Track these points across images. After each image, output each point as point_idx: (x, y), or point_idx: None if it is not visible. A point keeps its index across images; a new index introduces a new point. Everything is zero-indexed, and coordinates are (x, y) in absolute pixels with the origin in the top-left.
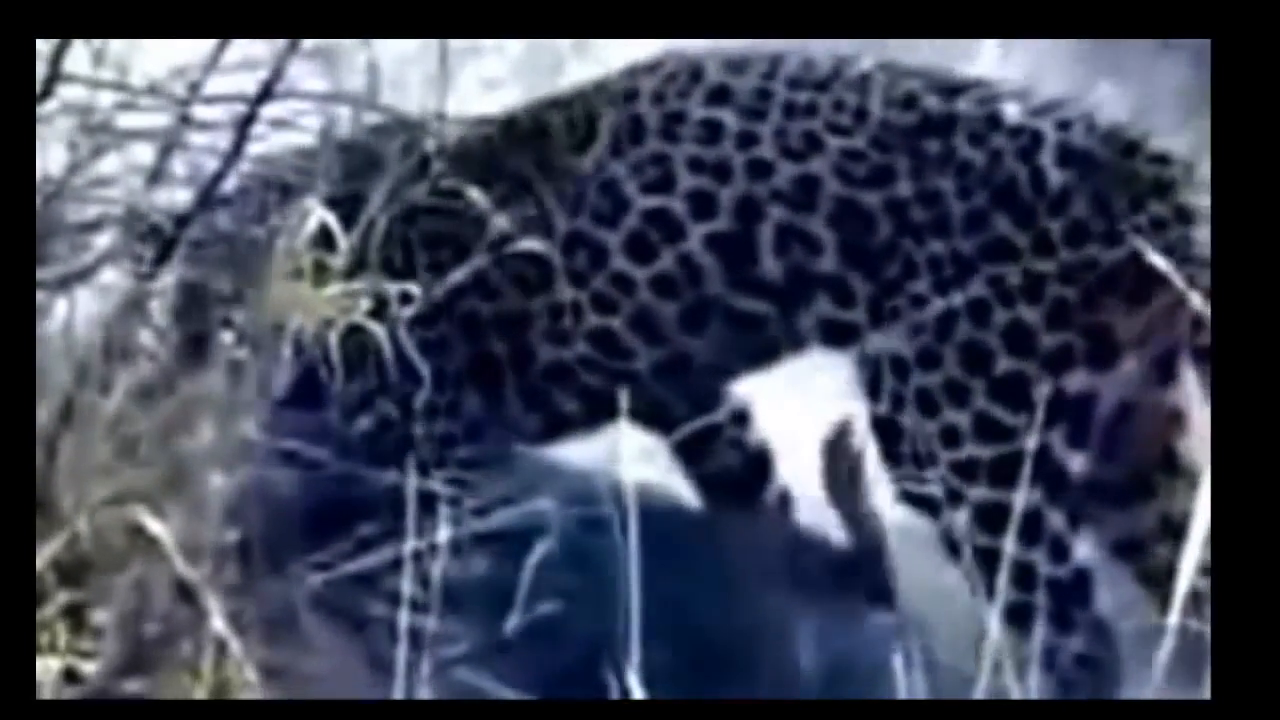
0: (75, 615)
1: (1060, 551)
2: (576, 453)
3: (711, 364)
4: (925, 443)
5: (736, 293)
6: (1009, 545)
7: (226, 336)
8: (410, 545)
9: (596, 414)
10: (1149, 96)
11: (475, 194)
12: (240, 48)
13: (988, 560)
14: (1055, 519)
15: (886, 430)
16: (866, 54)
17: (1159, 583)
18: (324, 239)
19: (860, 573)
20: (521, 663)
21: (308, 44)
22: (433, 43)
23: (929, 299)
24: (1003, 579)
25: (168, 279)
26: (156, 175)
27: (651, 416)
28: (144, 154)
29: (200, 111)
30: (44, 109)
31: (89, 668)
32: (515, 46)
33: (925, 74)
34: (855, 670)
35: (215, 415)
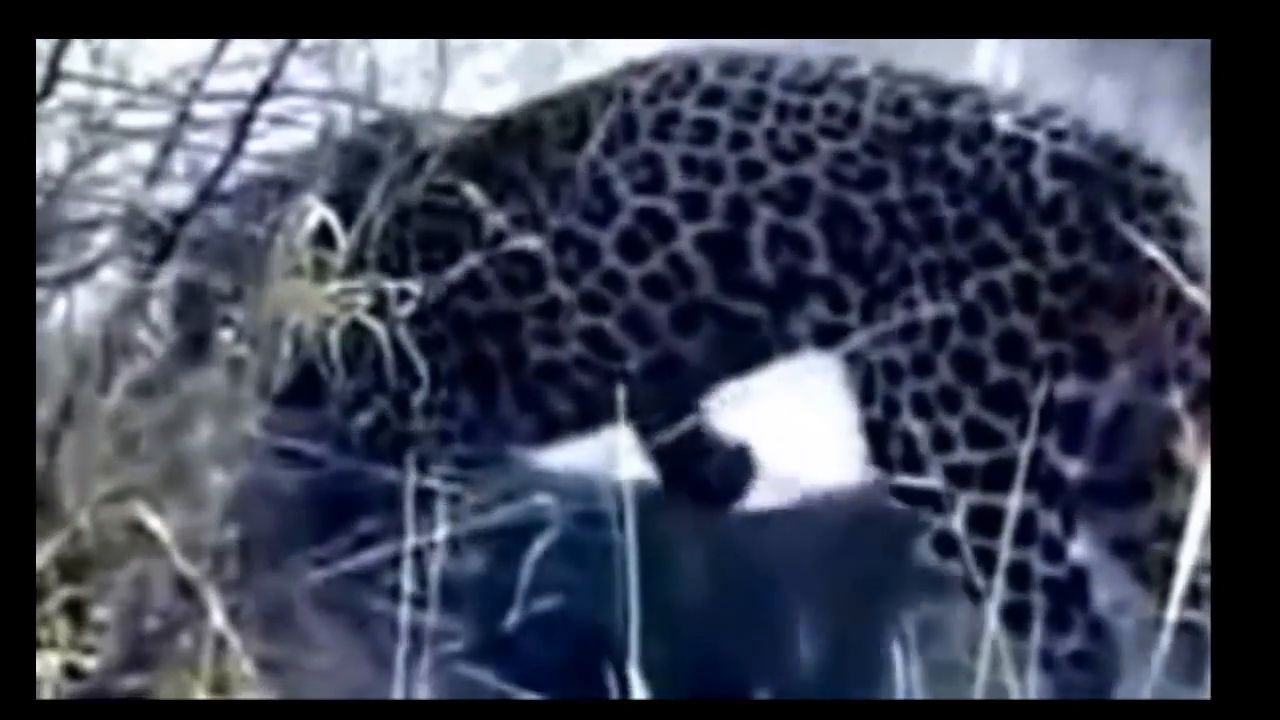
0: (75, 611)
1: (1054, 552)
2: (574, 450)
3: (702, 366)
4: (917, 446)
5: (728, 295)
6: (1003, 548)
7: (226, 334)
8: (410, 542)
9: (590, 416)
10: (1146, 90)
11: (471, 191)
12: (240, 47)
13: (981, 561)
14: (1049, 521)
15: (877, 433)
16: (863, 53)
17: (1156, 580)
18: (323, 237)
19: None
20: (521, 659)
21: (307, 42)
22: (431, 41)
23: (920, 304)
24: (997, 580)
25: (167, 277)
26: (156, 174)
27: (635, 418)
28: (144, 152)
29: (200, 110)
30: (44, 107)
31: (89, 663)
32: (513, 44)
33: (919, 79)
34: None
35: (215, 412)
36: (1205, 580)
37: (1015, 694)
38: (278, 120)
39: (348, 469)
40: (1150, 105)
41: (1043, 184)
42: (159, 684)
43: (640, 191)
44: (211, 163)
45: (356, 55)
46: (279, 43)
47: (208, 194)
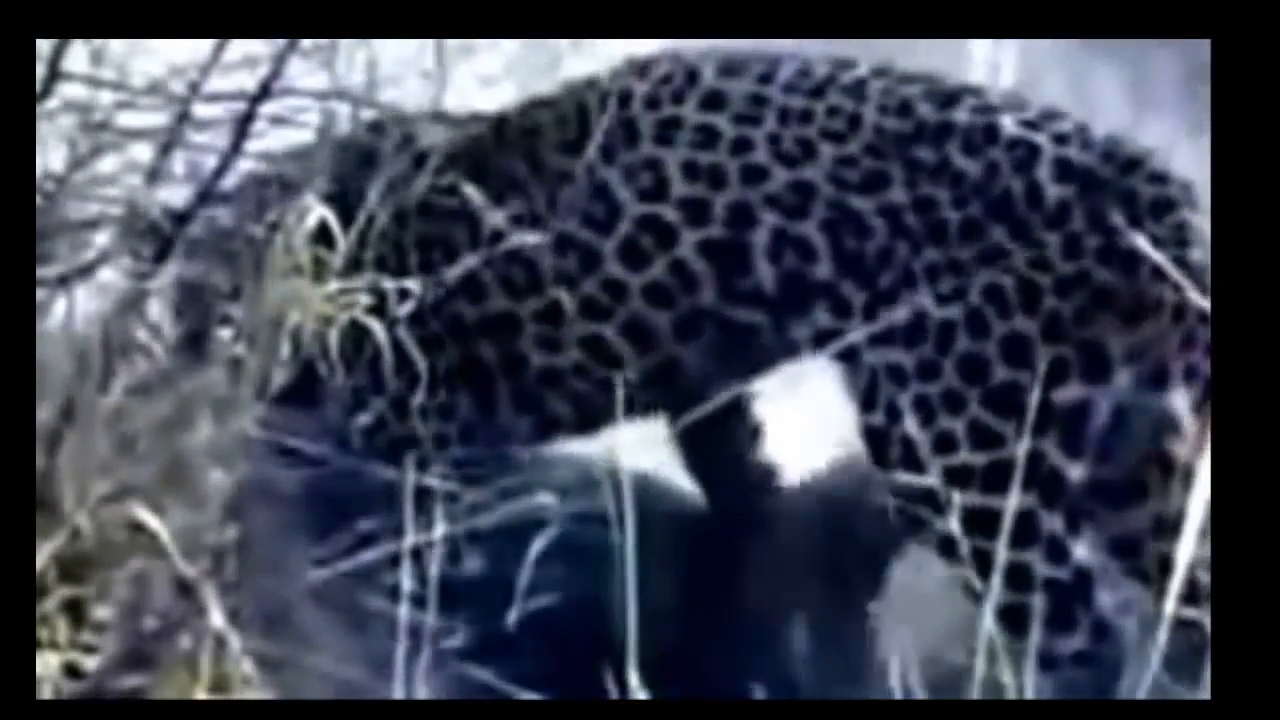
0: (75, 610)
1: (1058, 553)
2: (574, 447)
3: (701, 373)
4: (918, 449)
5: (729, 302)
6: (1002, 549)
7: (225, 333)
8: (409, 540)
9: (589, 419)
10: (1144, 80)
11: (469, 191)
12: (240, 47)
13: (981, 562)
14: (1051, 522)
15: (879, 437)
16: (862, 51)
17: (1154, 578)
18: (322, 236)
19: None
20: (519, 657)
21: (306, 42)
22: (429, 41)
23: (923, 307)
24: (994, 580)
25: (167, 276)
26: (155, 173)
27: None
28: (143, 152)
29: (199, 110)
30: (44, 108)
31: (89, 663)
32: (511, 44)
33: (920, 80)
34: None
35: (214, 412)
36: (1203, 578)
37: (1012, 694)
38: (278, 120)
39: (347, 468)
40: (1147, 97)
41: (1048, 188)
42: (158, 684)
43: (642, 198)
44: (211, 163)
45: (356, 55)
46: (279, 43)
47: (207, 194)
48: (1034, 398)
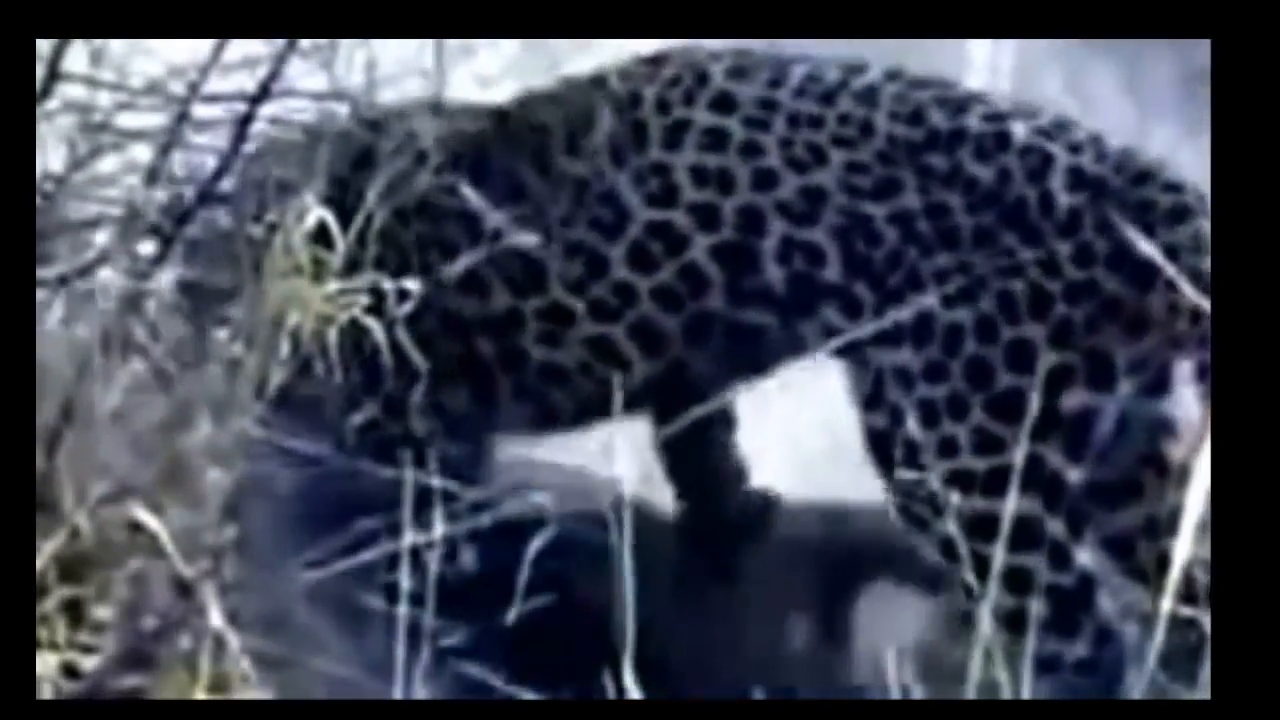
0: (74, 610)
1: (1061, 559)
2: (571, 448)
3: (708, 374)
4: (921, 452)
5: (738, 304)
6: (998, 552)
7: (224, 333)
8: (408, 540)
9: (588, 413)
10: (1142, 81)
11: (467, 191)
12: (239, 47)
13: (982, 566)
14: (1054, 527)
15: (882, 439)
16: (860, 52)
17: (1148, 578)
18: (321, 236)
19: None
20: (517, 657)
21: (305, 43)
22: (428, 42)
23: (934, 311)
24: (991, 584)
25: (166, 277)
26: (155, 174)
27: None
28: (143, 153)
29: (199, 110)
30: (43, 108)
31: (88, 663)
32: (510, 45)
33: (931, 85)
34: None
35: (213, 411)
36: (1200, 577)
37: (1008, 693)
38: (277, 121)
39: (345, 468)
40: (1145, 93)
41: (1060, 196)
42: (158, 684)
43: (651, 204)
44: (210, 163)
45: (354, 56)
46: (278, 43)
47: (206, 194)
48: (1038, 403)
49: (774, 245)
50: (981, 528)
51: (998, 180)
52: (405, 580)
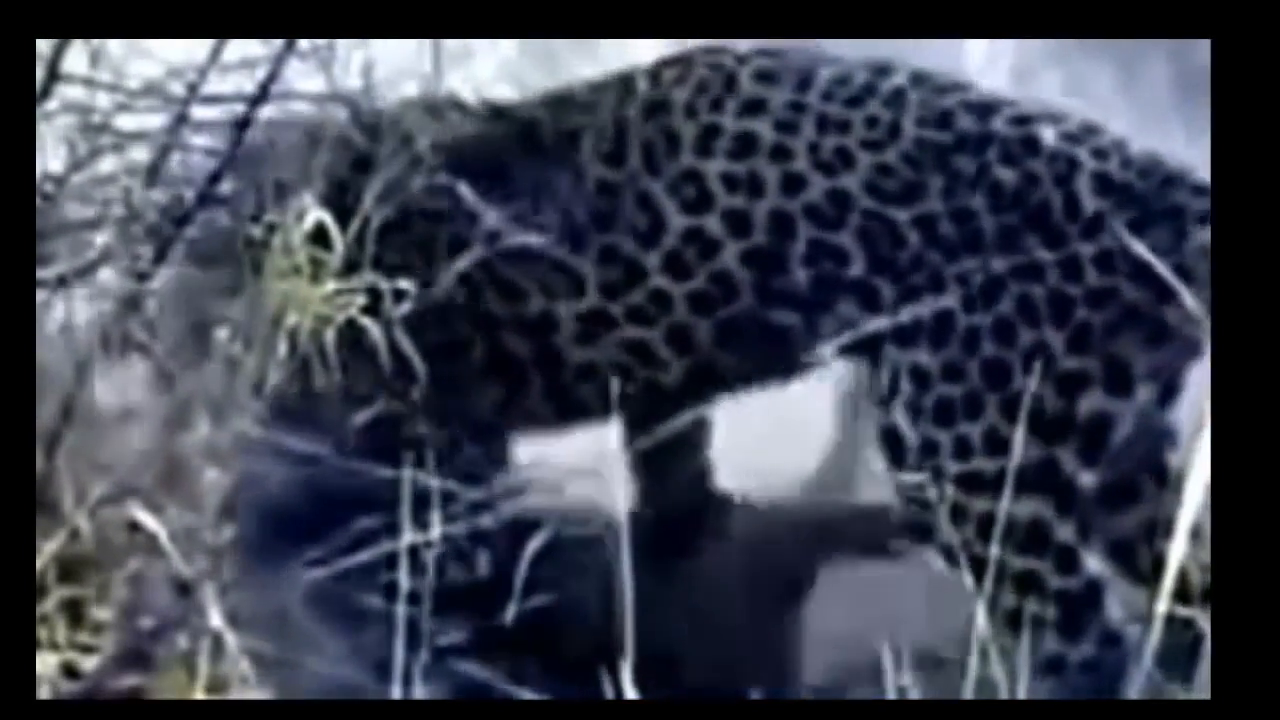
0: (74, 610)
1: (1070, 563)
2: (570, 450)
3: (735, 374)
4: (935, 452)
5: (765, 304)
6: (1004, 553)
7: (223, 334)
8: (406, 540)
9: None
10: (1137, 76)
11: (466, 194)
12: (237, 49)
13: (992, 568)
14: (1064, 531)
15: (895, 437)
16: (858, 51)
17: (1147, 579)
18: (320, 236)
19: None
20: (516, 656)
21: (303, 44)
22: (426, 43)
23: (953, 312)
24: (995, 585)
25: (165, 277)
26: (154, 175)
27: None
28: (142, 154)
29: (197, 112)
30: (42, 109)
31: (87, 663)
32: (508, 46)
33: (957, 88)
34: None
35: (212, 412)
36: (1196, 576)
37: (1005, 693)
38: (275, 124)
39: (345, 467)
40: (1142, 92)
41: (1086, 202)
42: (156, 683)
43: (686, 211)
44: (208, 164)
45: (353, 58)
46: (276, 45)
47: (205, 195)
48: (1055, 408)
49: (802, 248)
50: (990, 528)
51: (1024, 184)
52: (404, 580)
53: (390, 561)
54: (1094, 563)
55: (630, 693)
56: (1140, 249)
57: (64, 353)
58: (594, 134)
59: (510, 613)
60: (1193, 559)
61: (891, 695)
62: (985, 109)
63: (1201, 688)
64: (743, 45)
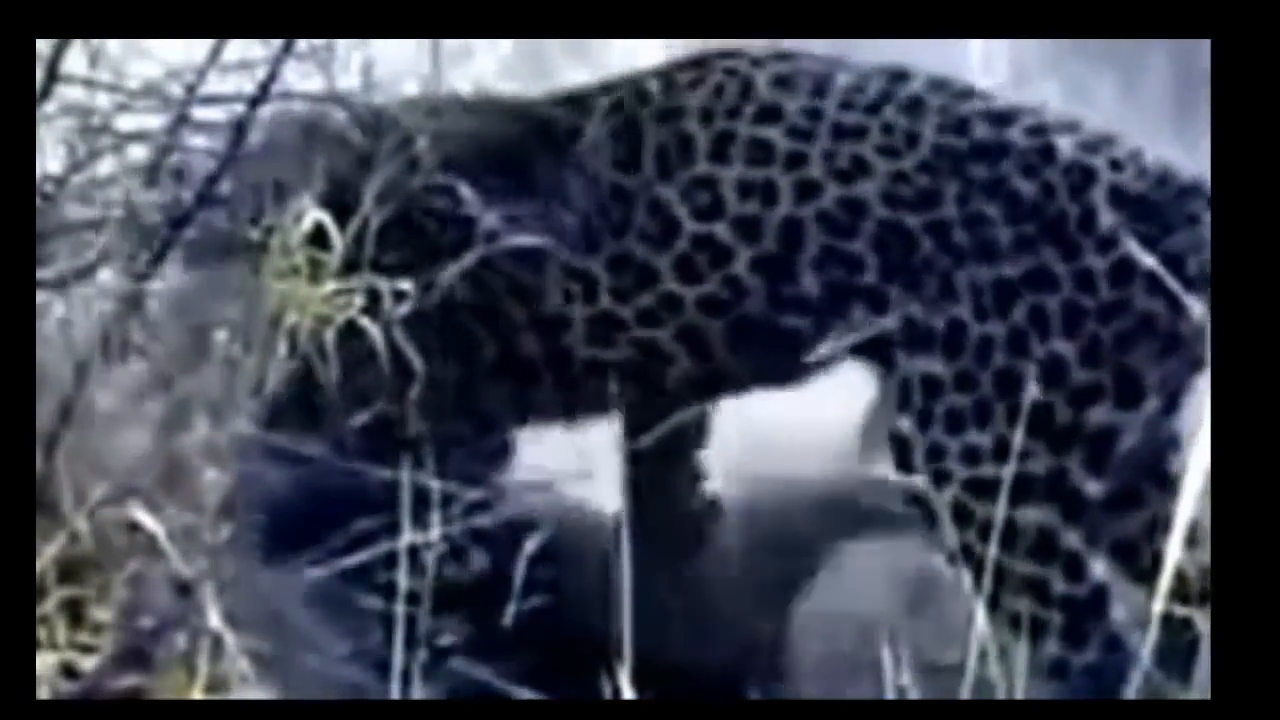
0: (73, 610)
1: (1077, 570)
2: (569, 448)
3: (743, 377)
4: (943, 458)
5: (776, 310)
6: (1021, 562)
7: (222, 334)
8: (405, 540)
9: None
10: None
11: (466, 195)
12: (236, 50)
13: (996, 573)
14: (1071, 539)
15: (904, 443)
16: (857, 51)
17: (1145, 579)
18: (319, 237)
19: None
20: (515, 657)
21: (302, 44)
22: (425, 43)
23: (967, 322)
24: (997, 589)
25: (165, 278)
26: (154, 176)
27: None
28: (142, 154)
29: (197, 113)
30: (42, 110)
31: (86, 663)
32: (506, 47)
33: (976, 96)
34: None
35: (211, 412)
36: (1193, 576)
37: (1001, 684)
38: (275, 124)
39: (344, 468)
40: (1139, 94)
41: (1102, 214)
42: (156, 684)
43: (698, 217)
44: (208, 165)
45: (352, 58)
46: (275, 45)
47: (204, 196)
48: (1064, 419)
49: (812, 255)
50: (998, 535)
51: (1040, 195)
52: (403, 580)
53: (389, 561)
54: (1099, 568)
55: (628, 693)
56: (1152, 262)
57: (64, 353)
58: (609, 140)
59: (510, 613)
60: (1189, 560)
61: (890, 695)
62: (1002, 117)
63: (1200, 688)
64: (757, 48)
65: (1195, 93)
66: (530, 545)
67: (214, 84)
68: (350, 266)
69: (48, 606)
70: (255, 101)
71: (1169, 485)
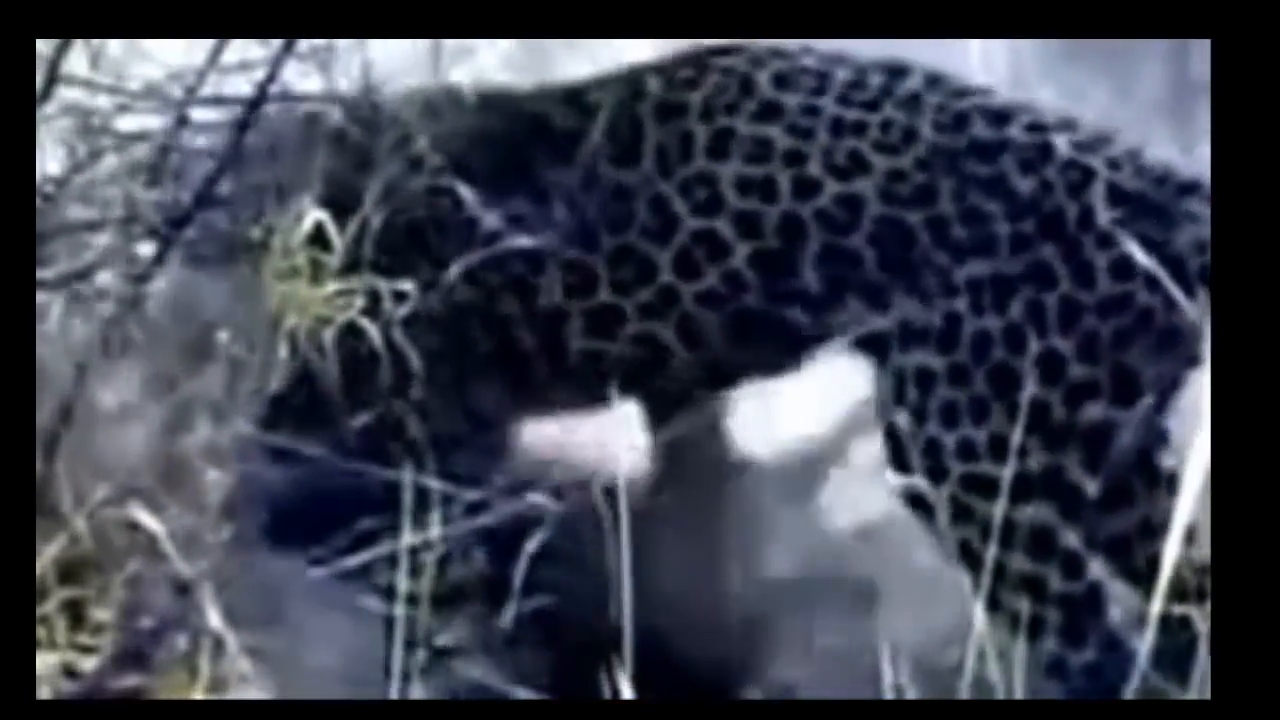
0: (73, 611)
1: (1075, 568)
2: (568, 447)
3: (740, 366)
4: (939, 455)
5: (775, 303)
6: (1019, 560)
7: (223, 335)
8: (405, 540)
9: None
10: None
11: (466, 192)
12: (236, 50)
13: (995, 572)
14: (1069, 537)
15: (899, 438)
16: (860, 48)
17: (1141, 579)
18: (319, 238)
19: None
20: (515, 657)
21: (302, 45)
22: (424, 43)
23: (964, 316)
24: (995, 586)
25: (165, 279)
26: (154, 176)
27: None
28: (142, 155)
29: (197, 113)
30: (42, 111)
31: (86, 664)
32: (507, 47)
33: (974, 93)
34: None
35: (212, 413)
36: (1191, 576)
37: (999, 683)
38: (275, 124)
39: (345, 468)
40: (1136, 96)
41: (1100, 212)
42: (156, 684)
43: (697, 213)
44: (208, 165)
45: (352, 58)
46: (275, 46)
47: (205, 197)
48: (1060, 416)
49: (813, 252)
50: (994, 530)
51: (1039, 192)
52: (403, 580)
53: (389, 561)
54: (1096, 567)
55: (627, 693)
56: (1149, 262)
57: (64, 354)
58: (608, 137)
59: (509, 613)
60: (1185, 560)
61: (889, 695)
62: (1001, 115)
63: (1198, 688)
64: (756, 44)
65: (1188, 101)
66: (531, 544)
67: (214, 85)
68: (350, 267)
69: (48, 607)
70: (255, 102)
71: (1159, 482)
